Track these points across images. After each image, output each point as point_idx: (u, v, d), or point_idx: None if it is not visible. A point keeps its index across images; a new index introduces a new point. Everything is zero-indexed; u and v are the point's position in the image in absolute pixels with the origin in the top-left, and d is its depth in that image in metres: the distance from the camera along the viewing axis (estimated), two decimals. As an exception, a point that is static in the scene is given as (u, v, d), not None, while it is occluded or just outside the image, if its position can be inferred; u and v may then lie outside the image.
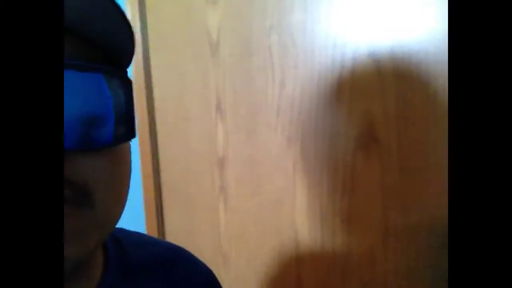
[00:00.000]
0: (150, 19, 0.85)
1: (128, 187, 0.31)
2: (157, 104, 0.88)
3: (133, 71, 0.88)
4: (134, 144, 0.91)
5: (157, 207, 0.91)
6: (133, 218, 0.93)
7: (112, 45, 0.28)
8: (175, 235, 0.90)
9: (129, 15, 0.86)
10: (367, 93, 0.57)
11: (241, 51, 0.73)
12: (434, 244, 0.53)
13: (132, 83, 0.29)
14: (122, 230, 0.41)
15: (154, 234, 0.92)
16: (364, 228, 0.59)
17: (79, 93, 0.25)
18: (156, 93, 0.88)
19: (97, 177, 0.26)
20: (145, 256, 0.40)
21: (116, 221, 0.30)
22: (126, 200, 0.31)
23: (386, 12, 0.54)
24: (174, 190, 0.89)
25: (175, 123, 0.86)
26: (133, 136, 0.29)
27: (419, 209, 0.54)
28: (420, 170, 0.53)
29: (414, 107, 0.53)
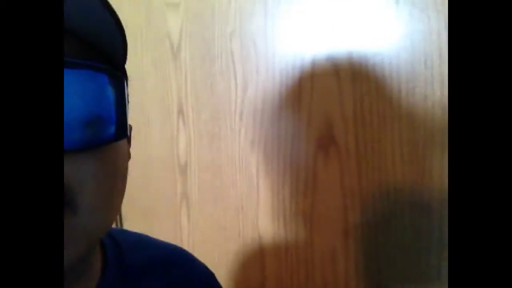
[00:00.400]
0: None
1: (121, 193, 0.29)
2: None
3: (91, 75, 0.85)
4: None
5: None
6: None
7: (108, 46, 0.27)
8: (135, 245, 0.87)
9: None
10: (326, 95, 0.59)
11: (203, 55, 0.73)
12: (390, 242, 0.55)
13: (126, 82, 0.29)
14: (121, 231, 0.41)
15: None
16: (326, 228, 0.60)
17: (68, 91, 0.23)
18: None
19: (81, 179, 0.24)
20: (144, 257, 0.39)
21: (107, 227, 0.28)
22: (118, 206, 0.29)
23: (344, 16, 0.56)
24: (134, 198, 0.86)
25: (136, 128, 0.83)
26: (126, 135, 0.28)
27: (377, 209, 0.56)
28: (377, 170, 0.55)
29: (371, 108, 0.55)
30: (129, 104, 0.31)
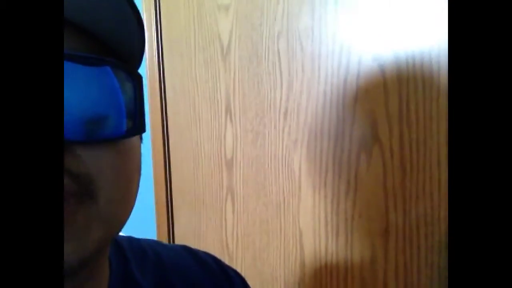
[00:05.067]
0: (164, 25, 0.89)
1: (137, 185, 0.30)
2: (169, 107, 0.91)
3: (148, 75, 0.91)
4: (147, 146, 0.94)
5: (168, 207, 0.94)
6: (144, 218, 0.96)
7: (122, 42, 0.28)
8: (183, 235, 0.92)
9: (145, 22, 0.90)
10: (371, 95, 0.59)
11: (250, 56, 0.76)
12: (434, 245, 0.54)
13: (142, 78, 0.29)
14: (128, 239, 0.39)
15: (164, 234, 0.94)
16: (367, 228, 0.60)
17: (85, 85, 0.25)
18: (169, 96, 0.91)
19: (101, 169, 0.25)
20: (152, 268, 0.38)
21: (123, 221, 0.29)
22: (134, 199, 0.30)
23: (390, 17, 0.56)
24: (184, 191, 0.91)
25: (187, 125, 0.88)
26: (143, 131, 0.29)
27: (420, 210, 0.55)
28: (421, 171, 0.54)
29: (416, 109, 0.54)
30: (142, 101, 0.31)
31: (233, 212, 0.83)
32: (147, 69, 0.91)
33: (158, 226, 0.94)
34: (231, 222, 0.83)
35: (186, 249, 0.44)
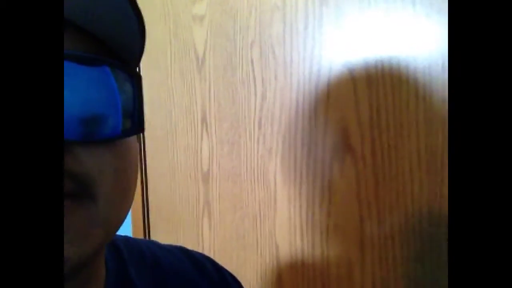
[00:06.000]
0: (141, 37, 0.88)
1: (134, 185, 0.30)
2: (146, 119, 0.89)
3: (124, 87, 0.90)
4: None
5: (144, 225, 0.91)
6: (120, 232, 0.92)
7: (123, 42, 0.28)
8: (160, 252, 0.89)
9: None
10: (342, 102, 0.57)
11: (225, 65, 0.75)
12: (409, 255, 0.52)
13: (142, 79, 0.29)
14: (125, 239, 0.39)
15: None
16: (342, 239, 0.58)
17: (84, 84, 0.24)
18: (146, 109, 0.89)
19: (100, 169, 0.25)
20: (150, 269, 0.38)
21: (121, 221, 0.29)
22: (132, 199, 0.30)
23: (359, 21, 0.55)
24: (161, 207, 0.88)
25: (163, 137, 0.86)
26: (141, 131, 0.29)
27: (394, 220, 0.53)
28: (393, 179, 0.52)
29: (387, 114, 0.52)
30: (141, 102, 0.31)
31: (209, 228, 0.80)
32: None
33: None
34: (208, 238, 0.80)
35: (182, 250, 0.44)
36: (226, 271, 0.45)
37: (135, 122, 0.27)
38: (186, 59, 0.81)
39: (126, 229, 0.92)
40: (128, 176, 0.28)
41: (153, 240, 0.44)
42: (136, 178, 0.30)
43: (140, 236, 0.90)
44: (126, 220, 0.91)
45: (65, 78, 0.23)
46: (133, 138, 0.30)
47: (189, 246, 0.82)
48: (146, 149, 0.90)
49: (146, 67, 0.88)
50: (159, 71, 0.86)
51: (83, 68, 0.24)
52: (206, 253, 0.81)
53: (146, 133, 0.90)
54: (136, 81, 0.28)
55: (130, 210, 0.90)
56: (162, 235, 0.89)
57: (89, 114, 0.24)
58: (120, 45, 0.28)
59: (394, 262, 0.53)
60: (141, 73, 0.87)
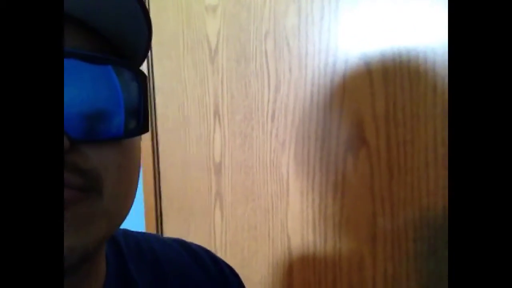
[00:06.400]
0: (153, 28, 0.88)
1: (137, 183, 0.30)
2: (159, 111, 0.89)
3: (137, 78, 0.90)
4: (136, 150, 0.93)
5: (157, 213, 0.91)
6: (134, 223, 0.94)
7: (129, 40, 0.28)
8: (172, 242, 0.90)
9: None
10: (358, 95, 0.57)
11: (238, 57, 0.74)
12: (423, 250, 0.51)
13: (146, 77, 0.29)
14: (124, 233, 0.40)
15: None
16: (354, 233, 0.58)
17: (89, 83, 0.25)
18: (159, 100, 0.89)
19: (105, 166, 0.25)
20: (149, 263, 0.38)
21: (124, 216, 0.29)
22: (134, 196, 0.30)
23: (377, 14, 0.54)
24: (173, 197, 0.89)
25: (175, 129, 0.87)
26: (146, 130, 0.29)
27: (408, 214, 0.52)
28: (408, 173, 0.52)
29: (404, 108, 0.52)
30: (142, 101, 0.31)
31: (221, 219, 0.81)
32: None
33: (147, 233, 0.91)
34: (220, 228, 0.81)
35: (180, 243, 0.44)
36: (224, 263, 0.45)
37: (140, 121, 0.27)
38: (198, 50, 0.81)
39: (139, 220, 0.93)
40: (131, 173, 0.29)
41: (151, 233, 0.44)
42: (138, 175, 0.31)
43: (153, 226, 0.91)
44: (139, 211, 0.92)
45: (70, 76, 0.23)
46: (138, 137, 0.30)
47: (201, 237, 0.83)
48: (159, 141, 0.90)
49: (159, 58, 0.88)
50: (171, 62, 0.86)
51: (87, 65, 0.24)
52: (218, 243, 0.82)
53: (158, 124, 0.90)
54: (141, 79, 0.27)
55: (143, 201, 0.91)
56: (174, 226, 0.89)
57: (92, 112, 0.24)
58: (126, 42, 0.28)
59: (407, 256, 0.52)
60: (154, 64, 0.88)
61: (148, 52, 0.32)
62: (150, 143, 0.90)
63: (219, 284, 0.42)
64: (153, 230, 0.91)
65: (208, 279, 0.41)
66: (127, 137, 0.27)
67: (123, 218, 0.29)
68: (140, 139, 0.31)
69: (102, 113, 0.25)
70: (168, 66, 0.87)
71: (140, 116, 0.27)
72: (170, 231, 0.90)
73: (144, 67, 0.89)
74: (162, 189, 0.90)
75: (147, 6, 0.87)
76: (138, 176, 0.31)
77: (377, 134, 0.54)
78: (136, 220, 0.93)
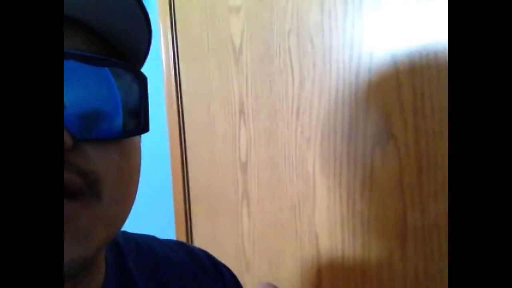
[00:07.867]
0: (179, 30, 0.90)
1: (136, 185, 0.30)
2: (186, 111, 0.91)
3: (165, 80, 0.92)
4: (164, 150, 0.95)
5: (186, 216, 0.93)
6: (163, 225, 0.95)
7: (130, 41, 0.28)
8: (201, 241, 0.91)
9: (160, 28, 0.91)
10: (384, 89, 0.56)
11: (262, 55, 0.75)
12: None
13: (146, 78, 0.29)
14: (123, 234, 0.40)
15: (183, 240, 0.93)
16: (383, 230, 0.57)
17: (90, 83, 0.25)
18: (185, 100, 0.91)
19: (106, 168, 0.25)
20: (147, 264, 0.38)
21: (124, 220, 0.29)
22: (134, 199, 0.30)
23: (402, 8, 0.53)
24: (201, 197, 0.90)
25: (202, 128, 0.88)
26: (146, 130, 0.29)
27: (440, 210, 0.51)
28: (439, 166, 0.50)
29: (431, 101, 0.50)
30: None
31: (249, 217, 0.81)
32: (163, 74, 0.92)
33: (178, 234, 0.93)
34: (247, 227, 0.81)
35: (178, 244, 0.44)
36: (222, 264, 0.45)
37: (140, 121, 0.27)
38: (223, 51, 0.82)
39: (169, 218, 0.95)
40: (131, 175, 0.28)
41: (149, 235, 0.44)
42: (138, 177, 0.30)
43: (183, 227, 0.93)
44: (168, 211, 0.93)
45: (70, 77, 0.23)
46: (137, 138, 0.30)
47: (229, 234, 0.84)
48: (186, 140, 0.92)
49: (184, 60, 0.90)
50: (196, 64, 0.88)
51: (85, 66, 0.24)
52: (245, 241, 0.83)
53: (185, 124, 0.92)
54: (141, 81, 0.28)
55: (172, 200, 0.93)
56: (202, 224, 0.91)
57: (91, 112, 0.25)
58: (126, 44, 0.28)
59: (440, 253, 0.51)
60: (180, 66, 0.89)
61: (148, 53, 0.32)
62: (178, 143, 0.92)
63: (218, 284, 0.42)
64: (183, 230, 0.93)
65: (207, 279, 0.41)
66: (127, 137, 0.27)
67: (122, 221, 0.29)
68: (140, 141, 0.31)
69: (100, 113, 0.25)
70: (194, 67, 0.88)
71: (140, 116, 0.28)
72: (199, 230, 0.91)
73: (170, 69, 0.91)
74: (190, 188, 0.92)
75: (172, 10, 0.89)
76: (138, 179, 0.31)
77: (405, 128, 0.53)
78: (165, 220, 0.95)
